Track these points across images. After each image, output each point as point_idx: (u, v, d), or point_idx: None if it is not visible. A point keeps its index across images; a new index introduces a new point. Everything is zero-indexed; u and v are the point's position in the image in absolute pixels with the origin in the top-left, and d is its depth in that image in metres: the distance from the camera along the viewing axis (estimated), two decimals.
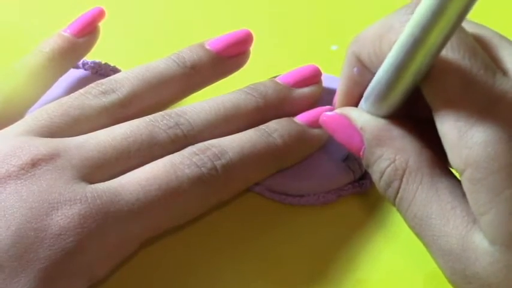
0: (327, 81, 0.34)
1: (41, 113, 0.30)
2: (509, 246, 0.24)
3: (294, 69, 0.34)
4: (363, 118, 0.29)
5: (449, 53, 0.26)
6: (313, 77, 0.34)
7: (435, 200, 0.26)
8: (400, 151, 0.27)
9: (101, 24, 0.36)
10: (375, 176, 0.28)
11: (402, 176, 0.27)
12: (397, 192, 0.27)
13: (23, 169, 0.27)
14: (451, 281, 0.27)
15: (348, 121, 0.29)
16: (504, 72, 0.26)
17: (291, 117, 0.32)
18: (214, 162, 0.29)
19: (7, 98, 0.32)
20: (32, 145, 0.28)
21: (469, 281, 0.25)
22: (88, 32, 0.35)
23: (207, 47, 0.34)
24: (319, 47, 0.39)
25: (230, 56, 0.34)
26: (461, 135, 0.25)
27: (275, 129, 0.31)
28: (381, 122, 0.28)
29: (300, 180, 0.32)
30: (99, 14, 0.36)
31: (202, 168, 0.29)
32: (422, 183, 0.27)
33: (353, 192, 0.33)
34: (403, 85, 0.27)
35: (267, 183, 0.32)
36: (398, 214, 0.32)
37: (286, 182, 0.32)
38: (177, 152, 0.30)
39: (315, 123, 0.32)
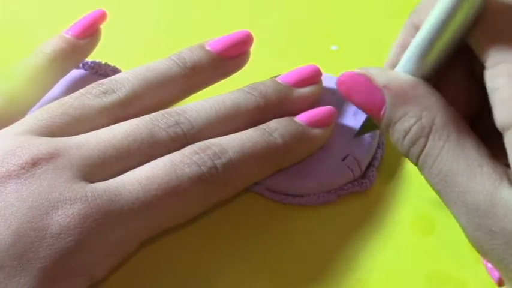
0: (327, 81, 0.34)
1: (42, 112, 0.30)
2: None
3: (294, 69, 0.34)
4: (387, 76, 0.28)
5: None
6: (313, 77, 0.34)
7: (462, 157, 0.26)
8: (427, 108, 0.27)
9: (102, 24, 0.36)
10: (397, 135, 0.27)
11: (429, 134, 0.26)
12: (422, 150, 0.27)
13: (23, 168, 0.27)
14: (472, 238, 0.26)
15: (368, 79, 0.28)
16: None
17: (291, 117, 0.32)
18: (215, 161, 0.29)
19: (8, 98, 0.33)
20: (32, 144, 0.28)
21: (495, 237, 0.25)
22: (90, 34, 0.35)
23: (208, 47, 0.34)
24: (319, 47, 0.39)
25: (230, 57, 0.34)
26: None
27: (275, 128, 0.31)
28: (408, 79, 0.27)
29: (300, 180, 0.32)
30: (101, 17, 0.36)
31: (202, 167, 0.29)
32: (449, 140, 0.26)
33: (353, 191, 0.33)
34: (448, 37, 0.26)
35: (267, 183, 0.32)
36: (398, 214, 0.32)
37: (286, 182, 0.32)
38: (177, 151, 0.30)
39: (315, 123, 0.32)
